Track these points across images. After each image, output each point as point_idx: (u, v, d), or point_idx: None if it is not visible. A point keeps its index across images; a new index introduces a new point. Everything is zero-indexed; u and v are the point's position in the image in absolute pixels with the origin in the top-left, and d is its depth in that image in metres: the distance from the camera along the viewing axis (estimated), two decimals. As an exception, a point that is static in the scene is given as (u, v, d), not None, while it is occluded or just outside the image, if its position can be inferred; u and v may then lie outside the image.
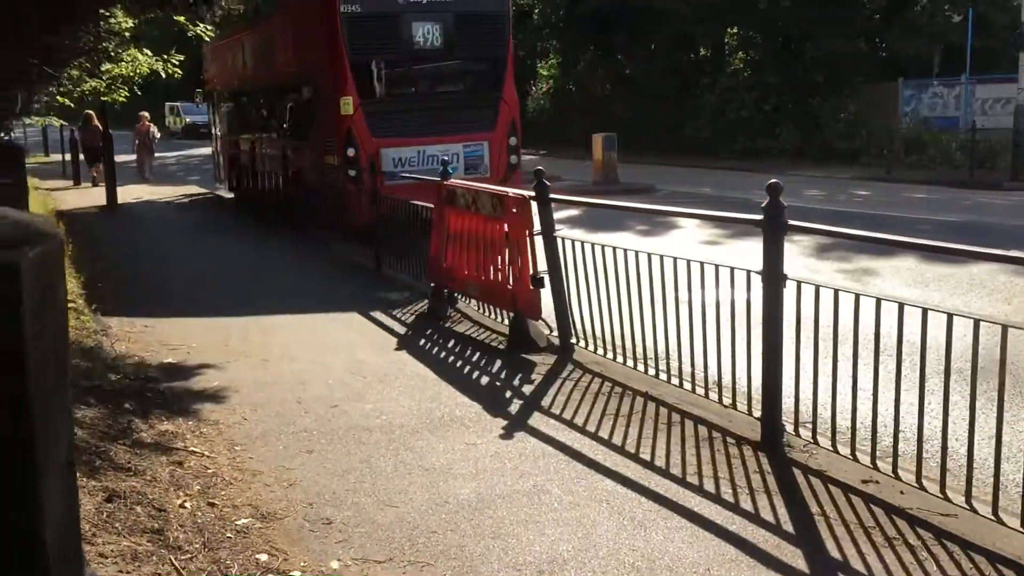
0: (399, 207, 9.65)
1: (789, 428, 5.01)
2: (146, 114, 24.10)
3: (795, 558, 3.78)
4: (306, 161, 12.78)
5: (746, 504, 4.29)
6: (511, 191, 7.65)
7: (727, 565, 3.73)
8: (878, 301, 4.58)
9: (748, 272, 5.19)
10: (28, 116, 11.65)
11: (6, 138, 9.89)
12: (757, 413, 5.14)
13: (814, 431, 4.91)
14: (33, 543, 0.98)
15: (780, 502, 4.30)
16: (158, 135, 25.14)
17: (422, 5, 9.01)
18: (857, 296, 4.63)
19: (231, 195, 17.15)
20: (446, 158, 10.40)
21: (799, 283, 4.91)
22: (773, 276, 4.87)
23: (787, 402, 5.02)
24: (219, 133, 18.30)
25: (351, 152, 11.47)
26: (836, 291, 4.76)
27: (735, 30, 31.71)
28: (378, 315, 8.42)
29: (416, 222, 9.19)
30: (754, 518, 4.15)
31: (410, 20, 8.84)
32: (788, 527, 4.07)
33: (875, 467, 4.55)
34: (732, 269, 5.38)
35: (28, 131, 30.34)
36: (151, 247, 13.29)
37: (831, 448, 4.77)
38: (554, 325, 7.15)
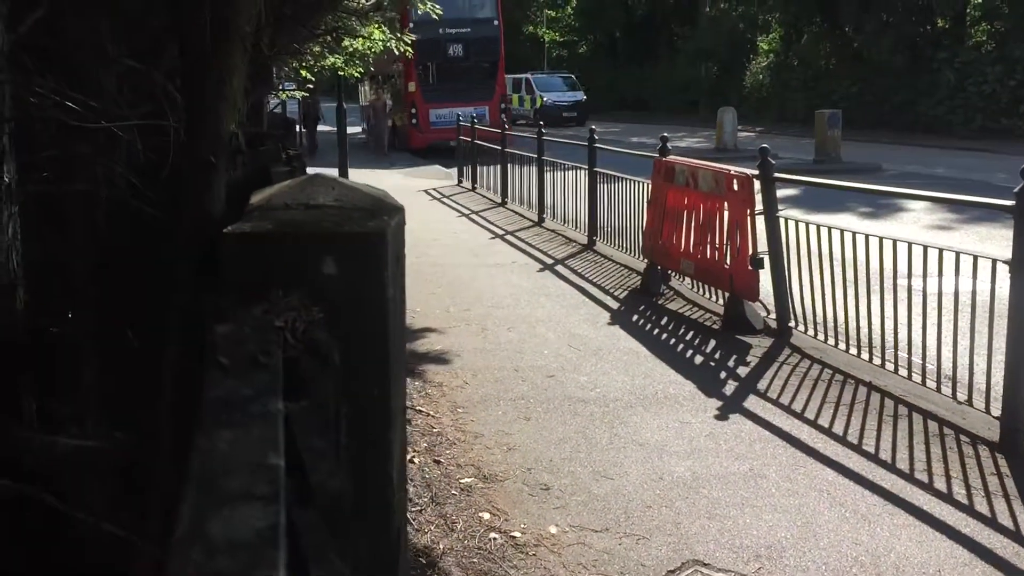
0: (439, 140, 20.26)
1: (1032, 430, 4.67)
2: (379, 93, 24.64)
3: (1037, 568, 3.55)
4: (399, 116, 23.36)
5: (981, 507, 4.06)
6: (733, 169, 7.51)
7: (960, 569, 3.55)
8: None
9: (994, 261, 4.86)
10: (284, 90, 12.55)
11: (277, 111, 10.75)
12: (995, 411, 4.83)
13: (1062, 435, 4.55)
14: (384, 480, 1.11)
15: (1020, 508, 4.04)
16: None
17: (451, 35, 14.42)
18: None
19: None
20: (465, 114, 17.56)
21: (1053, 275, 4.54)
22: (1024, 266, 4.54)
23: (1031, 402, 4.68)
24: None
25: (413, 111, 21.78)
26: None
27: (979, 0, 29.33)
28: (591, 288, 8.53)
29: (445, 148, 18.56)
30: (990, 522, 3.92)
31: (445, 41, 14.51)
32: (1029, 535, 3.81)
33: None
34: (975, 257, 5.05)
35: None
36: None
37: (1081, 455, 4.41)
38: (771, 307, 6.98)
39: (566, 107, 36.19)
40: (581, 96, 37.60)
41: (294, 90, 15.08)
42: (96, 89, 2.18)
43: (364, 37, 12.77)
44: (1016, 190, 4.58)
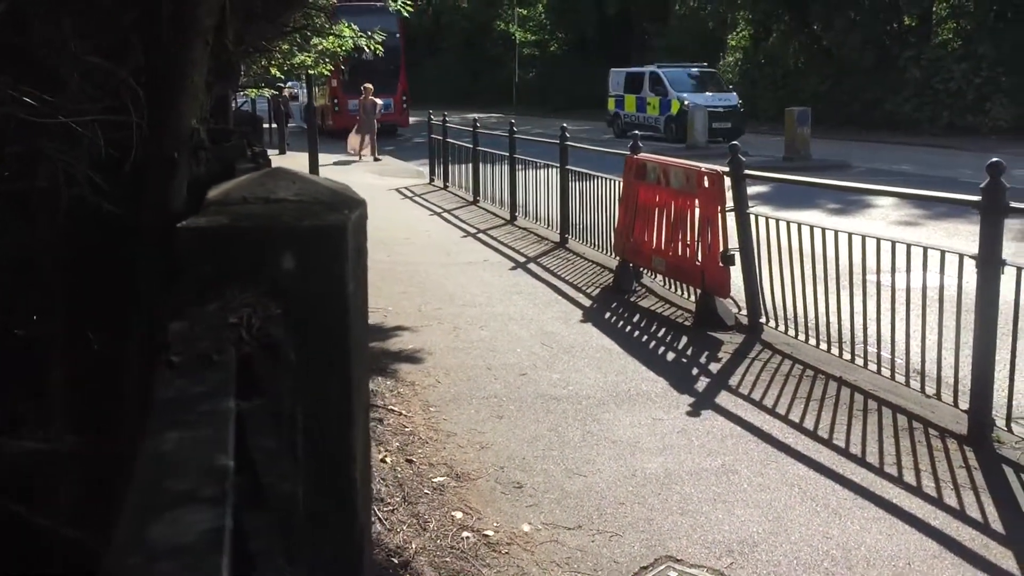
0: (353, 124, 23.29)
1: (999, 423, 4.72)
2: (370, 86, 23.00)
3: (1004, 559, 3.58)
4: (327, 108, 28.72)
5: (950, 499, 4.09)
6: (703, 166, 7.53)
7: (929, 561, 3.58)
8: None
9: (961, 256, 4.91)
10: (246, 89, 12.41)
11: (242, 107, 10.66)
12: (963, 405, 4.88)
13: (1029, 428, 4.61)
14: (346, 480, 1.09)
15: (988, 500, 4.08)
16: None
17: (365, 55, 16.15)
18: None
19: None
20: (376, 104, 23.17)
21: (1020, 269, 4.60)
22: (990, 261, 4.58)
23: (998, 396, 4.73)
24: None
25: (335, 100, 28.22)
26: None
27: (944, -2, 29.72)
28: (563, 286, 8.53)
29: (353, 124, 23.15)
30: (959, 514, 3.96)
31: (360, 51, 16.52)
32: (997, 526, 3.85)
33: (1098, 470, 4.24)
34: (943, 252, 5.10)
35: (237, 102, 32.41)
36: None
37: (1048, 447, 4.47)
38: (742, 303, 7.02)
39: (717, 114, 24.93)
40: (734, 99, 26.70)
41: (263, 87, 15.00)
42: (58, 85, 2.14)
43: (335, 35, 12.73)
44: (982, 186, 4.63)
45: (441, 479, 4.33)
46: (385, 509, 3.95)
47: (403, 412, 5.22)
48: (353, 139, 22.86)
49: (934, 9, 30.54)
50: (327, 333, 1.06)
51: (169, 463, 0.63)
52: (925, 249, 5.29)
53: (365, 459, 1.27)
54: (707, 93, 26.51)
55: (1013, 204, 4.60)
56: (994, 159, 4.69)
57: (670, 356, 6.44)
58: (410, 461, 4.51)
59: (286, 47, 11.34)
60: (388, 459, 4.50)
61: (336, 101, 28.47)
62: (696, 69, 28.86)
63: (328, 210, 1.09)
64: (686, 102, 25.40)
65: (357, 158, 22.34)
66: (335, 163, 21.05)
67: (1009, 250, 9.33)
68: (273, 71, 12.96)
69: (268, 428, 0.81)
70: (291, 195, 1.13)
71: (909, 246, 5.40)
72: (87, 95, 2.23)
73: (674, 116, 26.20)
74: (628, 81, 29.01)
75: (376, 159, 22.15)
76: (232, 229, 1.02)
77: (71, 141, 2.19)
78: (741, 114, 26.51)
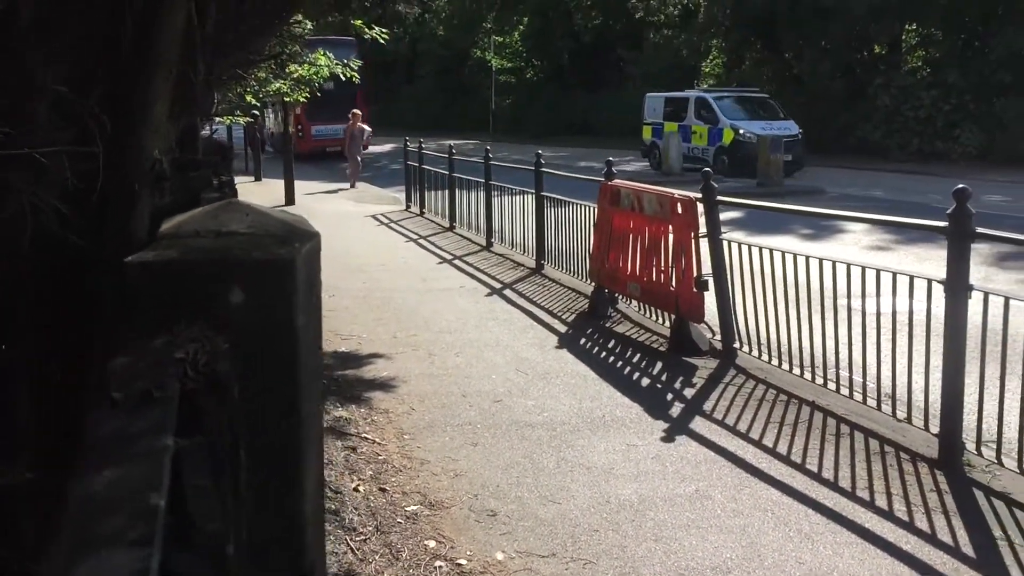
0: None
1: (970, 446, 4.76)
2: (358, 112, 22.68)
3: (976, 583, 3.60)
4: (293, 133, 24.97)
5: (921, 523, 4.12)
6: (676, 192, 7.59)
7: (901, 585, 3.59)
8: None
9: (929, 281, 4.97)
10: (221, 116, 12.43)
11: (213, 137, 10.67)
12: (934, 429, 4.92)
13: (998, 450, 4.65)
14: (294, 514, 1.08)
15: (959, 523, 4.10)
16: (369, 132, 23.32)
17: (326, 84, 16.69)
18: (1051, 310, 4.36)
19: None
20: (335, 129, 25.46)
21: (986, 294, 4.66)
22: (958, 286, 4.64)
23: (968, 419, 4.78)
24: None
25: (300, 126, 27.70)
26: (1028, 304, 4.50)
27: (913, 27, 30.21)
28: (539, 312, 8.54)
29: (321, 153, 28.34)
30: (930, 538, 3.98)
31: (323, 84, 16.92)
32: (968, 550, 3.87)
33: (1067, 493, 4.28)
34: (912, 277, 5.16)
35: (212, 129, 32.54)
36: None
37: (1017, 469, 4.51)
38: (717, 329, 7.05)
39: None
40: (795, 128, 23.48)
41: (239, 114, 15.00)
42: (25, 116, 2.13)
43: (309, 63, 12.78)
44: (949, 211, 4.69)
45: (414, 508, 4.30)
46: (357, 539, 3.92)
47: (377, 440, 5.19)
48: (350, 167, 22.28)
49: (903, 37, 31.06)
50: (276, 367, 1.06)
51: (100, 503, 0.63)
52: (895, 274, 5.35)
53: (317, 494, 1.26)
54: (756, 120, 23.58)
55: (979, 230, 4.67)
56: (960, 185, 4.76)
57: (645, 382, 6.45)
58: (383, 490, 4.48)
59: (262, 75, 11.38)
60: (361, 488, 4.47)
61: (300, 127, 29.51)
62: (747, 93, 25.99)
63: (279, 243, 1.09)
64: (742, 131, 22.64)
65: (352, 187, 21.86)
66: (324, 191, 21.02)
67: (979, 274, 9.48)
68: (249, 98, 13.01)
69: (206, 466, 0.81)
70: (243, 228, 1.13)
71: (879, 271, 5.46)
72: (54, 126, 2.23)
73: (726, 147, 23.20)
74: (669, 107, 25.71)
75: (351, 186, 21.85)
76: (180, 263, 1.02)
77: (38, 173, 2.18)
78: (803, 144, 23.16)
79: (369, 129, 23.37)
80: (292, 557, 1.07)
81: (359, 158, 22.48)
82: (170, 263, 1.02)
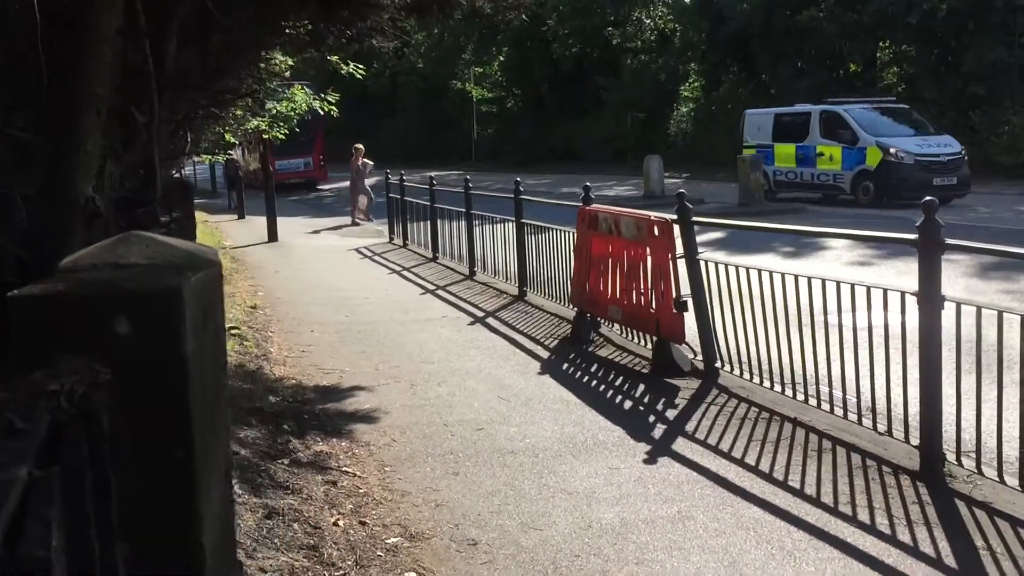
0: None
1: (950, 457, 4.76)
2: (361, 147, 22.08)
3: (958, 594, 3.59)
4: (257, 170, 29.91)
5: (904, 536, 4.11)
6: (652, 215, 7.63)
7: (883, 599, 3.57)
8: (1047, 323, 4.31)
9: (903, 293, 4.99)
10: (197, 155, 12.48)
11: (177, 175, 10.68)
12: (915, 441, 4.92)
13: (978, 460, 4.64)
14: (191, 546, 1.06)
15: (941, 535, 4.09)
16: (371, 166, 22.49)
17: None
18: (1023, 317, 4.37)
19: None
20: (296, 163, 33.28)
21: (959, 304, 4.68)
22: (930, 297, 4.66)
23: (948, 430, 4.78)
24: None
25: (262, 164, 25.25)
26: (1000, 312, 4.51)
27: (887, 44, 30.59)
28: (521, 339, 8.53)
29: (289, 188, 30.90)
30: (912, 551, 3.96)
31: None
32: (950, 561, 3.86)
33: (1047, 500, 4.27)
34: (885, 291, 5.19)
35: (197, 168, 32.75)
36: (300, 273, 13.94)
37: (997, 479, 4.50)
38: (698, 349, 7.06)
39: (938, 165, 19.13)
40: (956, 145, 20.07)
41: (218, 153, 15.08)
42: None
43: (287, 99, 12.86)
44: (917, 224, 4.73)
45: (395, 540, 4.26)
46: (336, 573, 3.88)
47: (357, 473, 5.15)
48: (362, 201, 21.64)
49: (877, 55, 31.44)
50: (163, 396, 1.05)
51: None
52: (868, 288, 5.37)
53: (223, 523, 1.24)
54: (917, 137, 19.96)
55: (949, 241, 4.70)
56: (928, 198, 4.79)
57: (627, 404, 6.44)
58: (363, 523, 4.45)
59: (239, 112, 11.44)
60: (341, 522, 4.43)
61: (261, 164, 32.41)
62: (885, 104, 22.18)
63: (173, 273, 1.09)
64: (893, 150, 19.03)
65: (363, 220, 21.31)
66: (331, 228, 20.91)
67: (961, 286, 9.52)
68: (228, 137, 13.06)
69: (56, 496, 0.80)
70: (143, 259, 1.13)
71: (853, 286, 5.48)
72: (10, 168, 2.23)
73: (872, 170, 19.41)
74: (780, 125, 21.89)
75: (355, 223, 21.27)
76: (66, 296, 1.02)
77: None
78: (965, 163, 19.65)
79: (371, 163, 22.73)
80: (189, 587, 1.06)
81: (368, 188, 21.80)
82: (56, 296, 1.01)
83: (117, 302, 1.02)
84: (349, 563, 3.98)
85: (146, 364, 1.02)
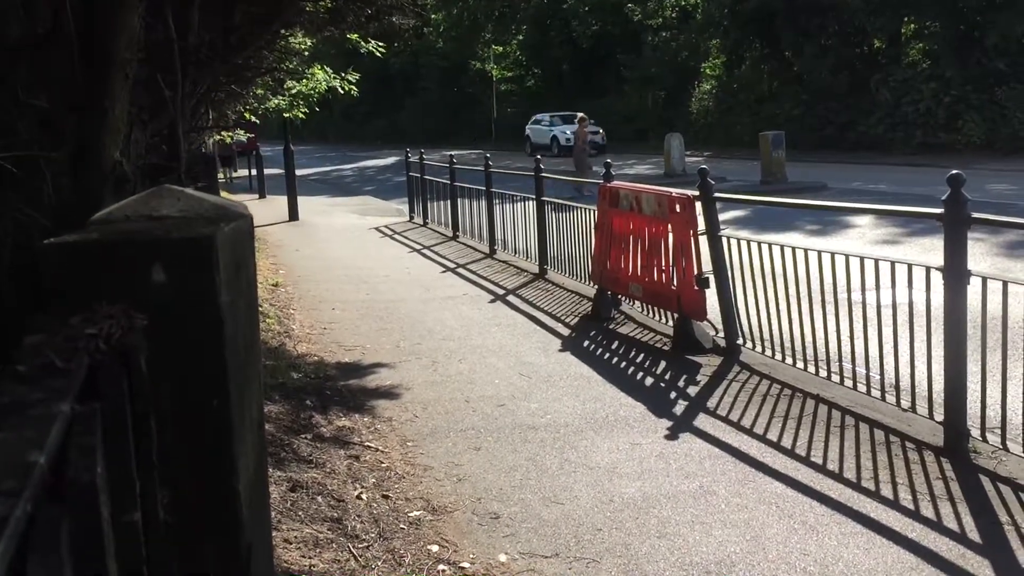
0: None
1: (975, 433, 4.73)
2: (583, 115, 22.65)
3: (982, 568, 3.58)
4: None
5: (927, 511, 4.09)
6: (674, 191, 7.59)
7: (907, 573, 3.57)
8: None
9: (927, 268, 4.95)
10: (220, 132, 12.50)
11: (201, 150, 10.74)
12: (939, 417, 4.89)
13: (1003, 436, 4.61)
14: (229, 492, 1.08)
15: (965, 510, 4.07)
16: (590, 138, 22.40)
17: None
18: (1050, 292, 4.33)
19: None
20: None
21: (984, 279, 4.64)
22: (956, 272, 4.62)
23: (972, 406, 4.75)
24: None
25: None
26: (1027, 287, 4.47)
27: (911, 20, 30.18)
28: (542, 316, 8.53)
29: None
30: (936, 526, 3.95)
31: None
32: (974, 536, 3.84)
33: (1073, 476, 4.24)
34: (910, 266, 5.14)
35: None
36: (322, 250, 13.99)
37: (1022, 454, 4.47)
38: (720, 326, 7.04)
39: None
40: None
41: (239, 131, 15.12)
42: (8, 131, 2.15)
43: (307, 78, 12.85)
44: (943, 198, 4.68)
45: (418, 513, 4.29)
46: (360, 545, 3.91)
47: (380, 448, 5.18)
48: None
49: (902, 31, 31.03)
50: (199, 343, 1.06)
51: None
52: (892, 264, 5.33)
53: (257, 474, 1.26)
54: None
55: (975, 215, 4.65)
56: (954, 171, 4.74)
57: (648, 381, 6.44)
58: (386, 497, 4.48)
59: (260, 91, 11.45)
60: (364, 496, 4.46)
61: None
62: None
63: (205, 223, 1.10)
64: None
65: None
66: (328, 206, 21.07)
67: (988, 263, 9.45)
68: (248, 116, 13.08)
69: (97, 428, 0.81)
70: (175, 212, 1.14)
71: (877, 261, 5.44)
72: (38, 141, 2.24)
73: None
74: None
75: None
76: (99, 244, 1.02)
77: (20, 188, 2.19)
78: None
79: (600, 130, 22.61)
80: (226, 530, 1.07)
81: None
82: (92, 244, 1.02)
83: (152, 249, 1.03)
84: (373, 535, 4.02)
85: (181, 312, 1.03)
